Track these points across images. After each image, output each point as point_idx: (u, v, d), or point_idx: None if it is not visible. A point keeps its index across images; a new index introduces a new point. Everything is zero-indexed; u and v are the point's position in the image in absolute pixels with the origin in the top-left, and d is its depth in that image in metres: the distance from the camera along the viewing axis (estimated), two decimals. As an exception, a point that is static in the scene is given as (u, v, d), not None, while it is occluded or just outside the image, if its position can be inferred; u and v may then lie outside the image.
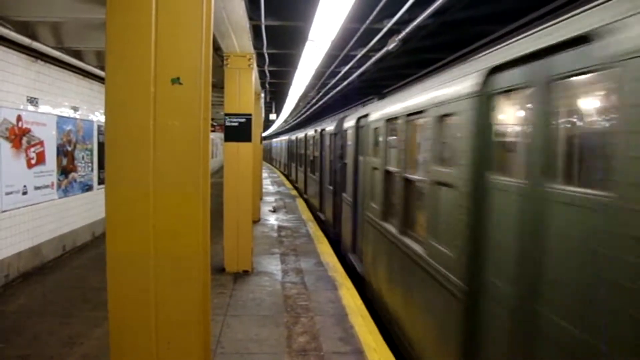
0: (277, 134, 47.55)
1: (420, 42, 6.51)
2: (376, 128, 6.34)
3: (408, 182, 4.92)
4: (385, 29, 6.21)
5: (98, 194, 9.65)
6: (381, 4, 5.47)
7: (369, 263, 6.68)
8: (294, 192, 20.50)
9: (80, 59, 8.45)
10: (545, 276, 2.44)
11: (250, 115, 7.49)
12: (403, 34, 5.86)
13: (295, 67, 9.81)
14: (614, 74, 2.00)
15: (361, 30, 6.62)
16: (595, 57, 2.12)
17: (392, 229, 5.34)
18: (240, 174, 7.50)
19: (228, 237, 7.53)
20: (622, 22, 1.99)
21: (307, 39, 7.08)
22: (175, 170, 2.61)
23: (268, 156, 50.63)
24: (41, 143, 7.59)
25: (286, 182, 26.05)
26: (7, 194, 6.68)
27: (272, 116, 21.84)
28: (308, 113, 22.46)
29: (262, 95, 14.24)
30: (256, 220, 11.90)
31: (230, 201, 7.50)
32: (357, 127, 7.83)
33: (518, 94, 2.86)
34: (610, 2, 2.17)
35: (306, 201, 17.12)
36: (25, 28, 6.69)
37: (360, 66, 8.71)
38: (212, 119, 17.09)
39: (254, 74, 8.17)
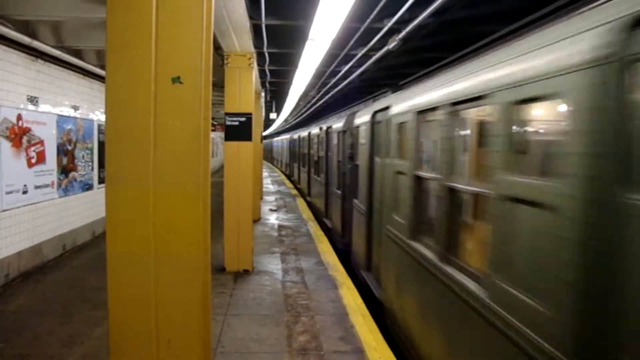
0: (278, 133, 47.09)
1: (420, 42, 6.50)
2: (402, 123, 5.16)
3: (454, 193, 3.72)
4: (385, 28, 6.20)
5: (98, 193, 9.65)
6: (381, 3, 5.46)
7: (391, 289, 5.55)
8: (294, 192, 20.50)
9: (81, 58, 8.44)
10: None
11: (250, 114, 7.49)
12: (403, 33, 5.85)
13: (295, 67, 9.80)
14: None
15: (361, 29, 6.61)
16: None
17: (426, 252, 4.18)
18: (241, 173, 7.50)
19: (228, 236, 7.53)
20: None
21: (307, 38, 7.07)
22: (176, 170, 2.61)
23: (269, 156, 50.42)
24: (41, 142, 7.59)
25: (286, 182, 26.04)
26: (8, 193, 6.68)
27: (273, 115, 21.84)
28: (308, 112, 22.45)
29: (263, 94, 14.24)
30: (256, 220, 11.90)
31: (231, 200, 7.50)
32: (373, 123, 6.77)
33: None
34: None
35: (309, 204, 15.97)
36: (25, 27, 6.69)
37: (360, 65, 8.71)
38: (213, 118, 17.04)
39: (254, 73, 8.17)
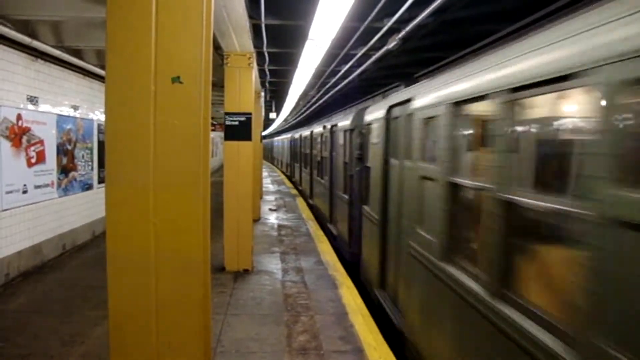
0: (278, 132, 46.51)
1: (420, 41, 6.50)
2: (430, 118, 4.24)
3: (515, 209, 2.77)
4: (385, 28, 6.20)
5: (98, 192, 9.65)
6: (381, 3, 5.46)
7: (415, 318, 4.63)
8: (294, 191, 20.50)
9: (81, 57, 8.45)
10: None
11: (250, 114, 7.49)
12: (403, 32, 5.85)
13: (295, 66, 9.79)
14: None
15: (361, 29, 6.61)
16: None
17: (468, 281, 3.29)
18: (241, 172, 7.50)
19: (228, 236, 7.53)
20: None
21: (307, 38, 7.07)
22: (176, 169, 2.61)
23: (269, 155, 50.22)
24: (41, 142, 7.59)
25: (286, 181, 26.04)
26: (7, 192, 6.68)
27: (272, 115, 21.84)
28: (308, 112, 22.45)
29: (262, 94, 14.24)
30: (256, 219, 11.91)
31: (231, 200, 7.50)
32: (388, 119, 5.92)
33: None
34: None
35: (311, 207, 15.12)
36: (25, 27, 6.69)
37: (360, 65, 8.70)
38: (212, 118, 17.09)
39: (254, 72, 8.17)
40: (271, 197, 17.91)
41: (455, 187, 3.71)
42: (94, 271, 7.14)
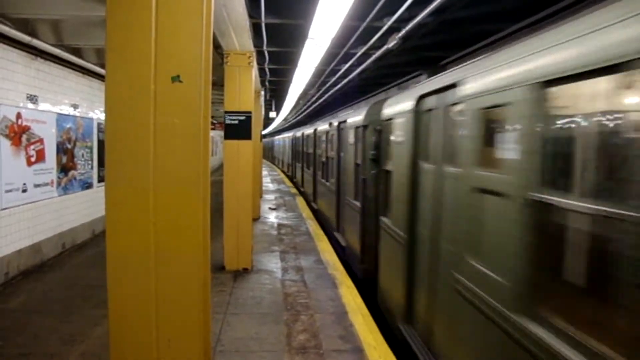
0: (279, 131, 45.70)
1: (420, 40, 6.50)
2: (490, 108, 3.15)
3: None
4: (385, 27, 6.19)
5: (98, 191, 9.65)
6: (381, 2, 5.46)
7: None
8: (294, 190, 20.50)
9: (80, 56, 8.44)
10: None
11: (250, 113, 7.49)
12: (403, 32, 5.85)
13: (295, 65, 9.79)
14: None
15: (361, 28, 6.60)
16: None
17: (574, 355, 2.15)
18: (240, 171, 7.50)
19: (228, 235, 7.53)
20: None
21: (307, 37, 7.06)
22: (176, 168, 2.61)
23: (270, 155, 49.94)
24: (41, 141, 7.58)
25: (286, 180, 26.03)
26: (7, 191, 6.68)
27: (272, 114, 21.85)
28: (308, 111, 22.44)
29: (262, 93, 14.23)
30: (256, 218, 11.91)
31: (230, 199, 7.50)
32: (418, 112, 4.76)
33: None
34: None
35: (314, 212, 13.88)
36: (25, 25, 6.68)
37: (360, 64, 8.69)
38: (212, 117, 17.07)
39: (254, 72, 8.17)
40: (271, 196, 17.91)
41: (545, 208, 2.50)
42: (94, 270, 7.14)
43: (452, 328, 3.74)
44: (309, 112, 22.89)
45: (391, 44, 6.28)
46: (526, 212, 2.63)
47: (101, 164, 9.77)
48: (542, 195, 2.50)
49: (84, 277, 7.04)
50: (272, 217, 12.99)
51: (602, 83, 2.09)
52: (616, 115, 2.05)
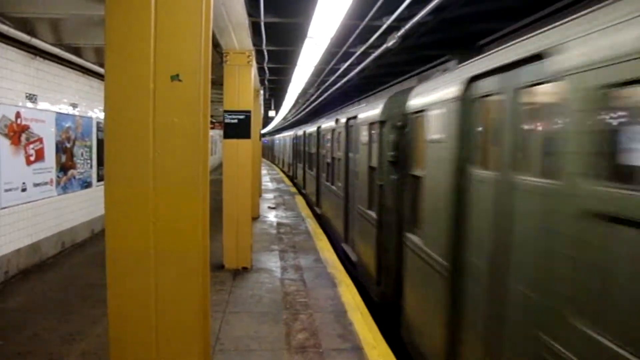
0: (279, 130, 45.05)
1: (419, 39, 6.50)
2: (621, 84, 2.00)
3: None
4: (384, 26, 6.20)
5: (97, 190, 9.65)
6: (380, 1, 5.46)
7: None
8: (294, 189, 20.50)
9: (80, 55, 8.44)
10: None
11: (249, 112, 7.49)
12: (402, 31, 5.85)
13: (294, 64, 9.79)
14: None
15: (360, 27, 6.61)
16: None
17: None
18: (240, 170, 7.50)
19: (227, 234, 7.53)
20: None
21: (306, 36, 7.06)
22: (175, 167, 2.61)
23: (270, 154, 49.46)
24: (40, 140, 7.58)
25: (286, 179, 26.04)
26: (6, 190, 6.68)
27: (272, 113, 21.85)
28: (308, 110, 22.44)
29: (262, 92, 14.23)
30: (255, 217, 11.92)
31: (230, 198, 7.51)
32: (466, 99, 3.59)
33: None
34: None
35: (318, 218, 12.68)
36: (24, 25, 6.68)
37: (359, 63, 8.70)
38: (211, 116, 17.06)
39: (253, 70, 8.17)
40: (270, 195, 17.92)
41: None
42: (93, 269, 7.15)
43: None
44: (309, 111, 22.90)
45: (390, 42, 6.28)
46: None
47: (100, 163, 9.77)
48: None
49: (83, 276, 7.04)
50: (272, 216, 12.99)
51: None
52: None
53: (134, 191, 2.58)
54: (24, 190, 7.13)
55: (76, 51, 8.26)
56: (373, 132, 6.56)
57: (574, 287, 2.24)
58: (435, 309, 4.05)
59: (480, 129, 3.51)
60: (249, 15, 6.15)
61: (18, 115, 6.93)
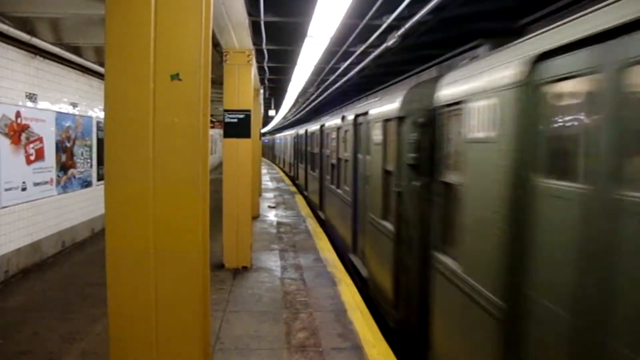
0: (279, 129, 44.23)
1: (419, 39, 6.50)
2: None
3: None
4: (384, 25, 6.19)
5: (97, 190, 9.65)
6: (380, 0, 5.46)
7: None
8: (293, 189, 20.50)
9: (80, 55, 8.44)
10: None
11: (249, 111, 7.49)
12: (402, 30, 5.85)
13: (294, 64, 9.78)
14: None
15: (360, 26, 6.60)
16: None
17: None
18: (240, 170, 7.51)
19: (227, 233, 7.54)
20: None
21: (306, 35, 7.06)
22: (175, 166, 2.62)
23: (270, 154, 48.99)
24: (40, 139, 7.58)
25: (285, 179, 26.04)
26: (7, 190, 6.68)
27: (272, 112, 21.84)
28: (308, 109, 22.43)
29: (261, 91, 14.23)
30: (255, 217, 11.92)
31: (230, 197, 7.51)
32: (533, 84, 2.70)
33: None
34: None
35: (322, 223, 11.74)
36: (24, 24, 6.68)
37: (359, 62, 8.70)
38: (211, 115, 17.03)
39: (253, 70, 8.17)
40: (270, 195, 17.92)
41: None
42: (93, 268, 7.14)
43: None
44: (309, 110, 22.89)
45: (390, 42, 6.28)
46: None
47: (100, 162, 9.78)
48: None
49: (83, 275, 7.05)
50: (272, 216, 12.99)
51: None
52: None
53: (134, 190, 2.59)
54: (24, 189, 7.13)
55: (76, 50, 8.26)
56: (388, 130, 5.69)
57: None
58: (479, 352, 3.19)
59: (555, 123, 2.56)
60: (249, 14, 6.15)
61: (18, 114, 6.93)
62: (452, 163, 3.95)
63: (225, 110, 7.39)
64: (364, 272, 6.79)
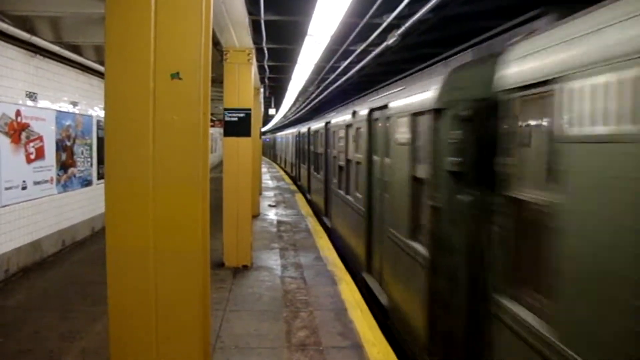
0: (280, 128, 43.65)
1: (419, 37, 6.49)
2: None
3: None
4: (384, 24, 6.19)
5: (97, 189, 9.65)
6: (381, -2, 5.46)
7: None
8: (293, 187, 20.50)
9: (80, 53, 8.43)
10: None
11: (249, 110, 7.49)
12: (403, 28, 5.84)
13: (294, 62, 9.79)
14: None
15: (361, 25, 6.60)
16: None
17: None
18: (240, 168, 7.51)
19: (227, 231, 7.54)
20: None
21: (306, 34, 7.06)
22: (175, 165, 2.62)
23: (271, 153, 48.52)
24: (40, 138, 7.58)
25: (286, 177, 26.03)
26: (7, 189, 6.68)
27: (272, 111, 21.84)
28: (307, 108, 22.42)
29: (262, 90, 14.22)
30: (255, 215, 11.92)
31: (230, 196, 7.51)
32: None
33: None
34: None
35: (328, 232, 10.46)
36: (24, 23, 6.67)
37: (359, 61, 8.69)
38: (211, 114, 17.01)
39: (253, 69, 8.16)
40: (270, 193, 17.92)
41: None
42: (94, 267, 7.15)
43: None
44: (309, 109, 22.88)
45: (391, 40, 6.28)
46: None
47: (100, 161, 9.78)
48: None
49: (83, 274, 7.05)
50: (272, 214, 12.99)
51: None
52: None
53: (134, 189, 2.59)
54: (24, 188, 7.13)
55: (76, 49, 8.26)
56: (419, 127, 4.45)
57: None
58: None
59: None
60: (249, 13, 6.15)
61: (18, 113, 6.92)
62: (534, 172, 2.76)
63: (226, 109, 7.39)
64: (383, 299, 5.60)
